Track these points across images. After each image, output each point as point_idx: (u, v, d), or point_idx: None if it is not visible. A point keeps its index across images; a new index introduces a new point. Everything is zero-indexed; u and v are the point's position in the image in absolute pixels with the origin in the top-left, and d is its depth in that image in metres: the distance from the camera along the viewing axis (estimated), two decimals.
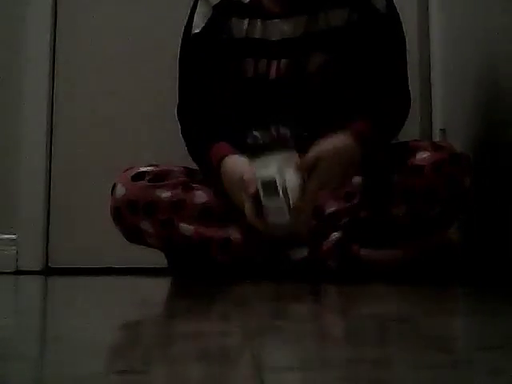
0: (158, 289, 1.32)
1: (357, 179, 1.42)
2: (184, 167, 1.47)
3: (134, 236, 1.43)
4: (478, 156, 1.45)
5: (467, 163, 1.37)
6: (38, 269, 1.83)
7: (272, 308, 0.93)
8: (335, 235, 1.38)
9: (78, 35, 1.93)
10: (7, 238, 1.84)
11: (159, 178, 1.41)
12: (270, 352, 0.55)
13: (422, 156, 1.37)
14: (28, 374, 0.47)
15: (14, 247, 1.83)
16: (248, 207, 1.26)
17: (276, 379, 0.43)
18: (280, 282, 1.31)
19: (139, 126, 1.91)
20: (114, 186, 1.42)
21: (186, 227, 1.39)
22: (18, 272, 1.81)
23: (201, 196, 1.41)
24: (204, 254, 1.40)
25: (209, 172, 1.41)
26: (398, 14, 1.47)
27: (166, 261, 1.51)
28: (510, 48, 1.32)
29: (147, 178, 1.41)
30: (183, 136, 1.49)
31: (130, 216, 1.40)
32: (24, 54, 1.88)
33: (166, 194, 1.39)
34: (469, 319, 0.78)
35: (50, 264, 1.86)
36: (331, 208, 1.41)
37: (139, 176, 1.41)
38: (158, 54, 1.88)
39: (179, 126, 1.50)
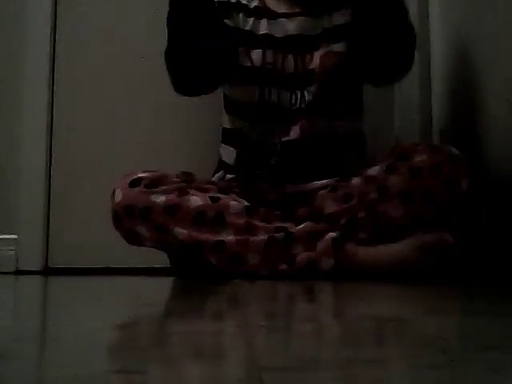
0: (158, 289, 1.32)
1: (355, 180, 1.43)
2: (181, 172, 1.48)
3: (133, 239, 1.45)
4: (477, 156, 1.45)
5: (465, 165, 1.38)
6: (38, 269, 1.83)
7: (269, 307, 0.93)
8: (331, 235, 1.39)
9: (78, 35, 1.93)
10: (7, 238, 1.84)
11: (155, 183, 1.42)
12: (268, 352, 0.55)
13: (420, 158, 1.38)
14: (28, 374, 0.47)
15: (13, 247, 1.83)
16: None
17: (275, 379, 0.43)
18: (276, 281, 1.32)
19: (139, 126, 1.91)
20: (114, 192, 1.43)
21: (180, 231, 1.39)
22: (18, 272, 1.81)
23: (195, 201, 1.41)
24: (197, 256, 1.40)
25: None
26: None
27: (168, 261, 1.51)
28: (510, 48, 1.32)
29: (143, 184, 1.42)
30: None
31: (127, 220, 1.42)
32: (24, 54, 1.88)
33: (160, 199, 1.40)
34: (467, 319, 0.78)
35: (49, 264, 1.86)
36: (330, 209, 1.42)
37: (136, 182, 1.42)
38: (159, 56, 1.88)
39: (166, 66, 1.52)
